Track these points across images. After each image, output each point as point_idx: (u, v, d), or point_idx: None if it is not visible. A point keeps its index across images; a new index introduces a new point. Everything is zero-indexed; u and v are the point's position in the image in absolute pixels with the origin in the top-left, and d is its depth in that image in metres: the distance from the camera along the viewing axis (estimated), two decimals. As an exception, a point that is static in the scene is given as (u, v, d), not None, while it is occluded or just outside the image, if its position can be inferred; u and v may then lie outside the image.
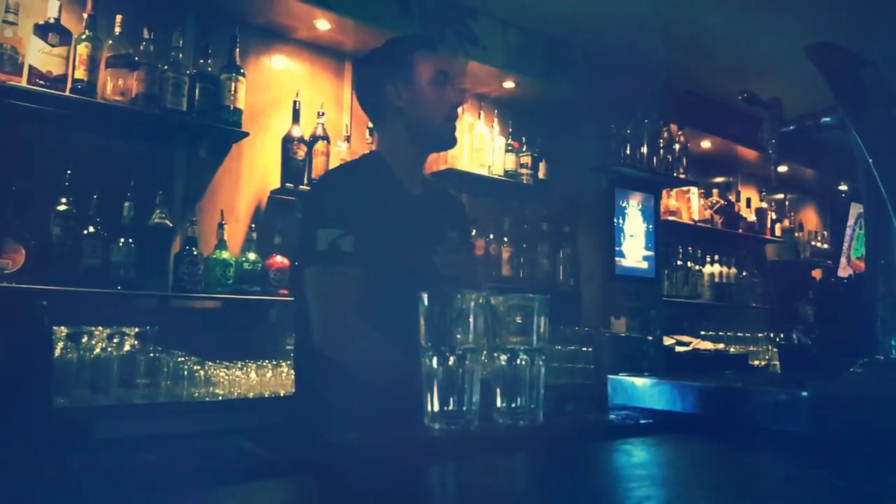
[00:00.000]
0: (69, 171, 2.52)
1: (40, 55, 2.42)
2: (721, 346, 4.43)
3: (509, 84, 3.76)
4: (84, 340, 2.27)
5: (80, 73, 2.49)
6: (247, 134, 2.88)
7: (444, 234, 1.73)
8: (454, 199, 2.07)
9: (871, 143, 1.24)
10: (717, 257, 4.90)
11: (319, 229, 1.55)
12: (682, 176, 4.23)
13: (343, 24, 3.09)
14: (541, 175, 3.85)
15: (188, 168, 2.92)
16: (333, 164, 3.10)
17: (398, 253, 1.57)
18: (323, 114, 3.14)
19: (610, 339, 3.61)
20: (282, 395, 2.50)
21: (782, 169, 5.30)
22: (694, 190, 4.72)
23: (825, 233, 6.05)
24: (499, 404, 0.97)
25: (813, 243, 5.80)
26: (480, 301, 0.95)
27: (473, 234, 3.59)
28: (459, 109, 1.81)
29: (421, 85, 1.71)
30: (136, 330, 2.38)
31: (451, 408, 0.92)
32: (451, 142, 1.80)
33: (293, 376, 1.93)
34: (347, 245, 1.52)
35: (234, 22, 2.97)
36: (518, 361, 0.96)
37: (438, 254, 1.68)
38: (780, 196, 5.73)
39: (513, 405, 0.96)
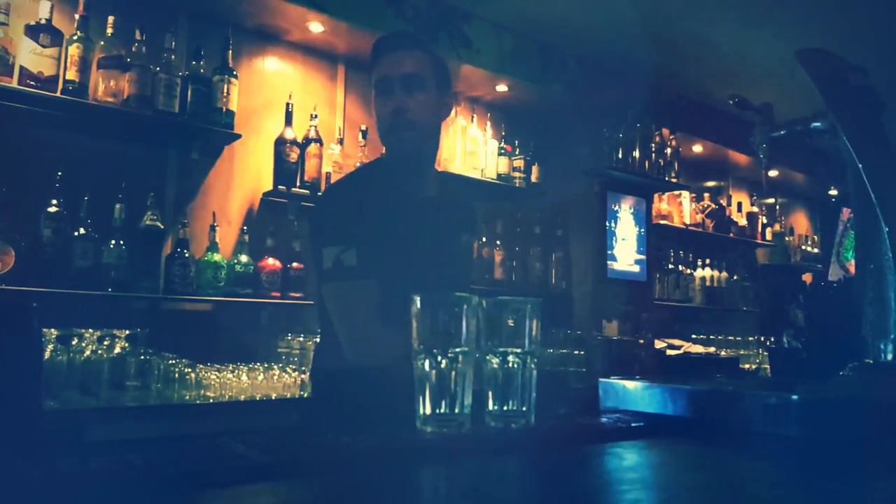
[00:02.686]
0: (60, 173, 2.50)
1: (31, 56, 2.41)
2: (712, 349, 4.44)
3: (502, 87, 3.77)
4: (74, 342, 2.26)
5: (72, 74, 2.48)
6: (239, 136, 2.87)
7: (458, 236, 1.77)
8: (467, 203, 2.02)
9: (861, 148, 1.26)
10: (708, 261, 4.92)
11: (323, 249, 1.60)
12: (673, 180, 4.25)
13: (336, 27, 3.08)
14: (533, 178, 3.87)
15: (180, 170, 2.92)
16: (326, 166, 3.11)
17: (405, 257, 1.60)
18: (316, 116, 3.14)
19: (601, 343, 3.61)
20: (273, 398, 2.49)
21: (773, 173, 5.34)
22: (685, 194, 4.74)
23: (815, 237, 6.09)
24: (491, 407, 0.97)
25: (803, 247, 5.84)
26: (473, 304, 0.95)
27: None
28: (401, 116, 1.64)
29: (374, 99, 1.71)
30: (127, 332, 2.36)
31: (442, 411, 0.92)
32: (396, 155, 1.71)
33: (306, 380, 1.93)
34: (350, 259, 1.57)
35: (226, 24, 2.97)
36: (510, 364, 0.96)
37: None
38: (771, 200, 5.77)
39: (505, 408, 0.96)
